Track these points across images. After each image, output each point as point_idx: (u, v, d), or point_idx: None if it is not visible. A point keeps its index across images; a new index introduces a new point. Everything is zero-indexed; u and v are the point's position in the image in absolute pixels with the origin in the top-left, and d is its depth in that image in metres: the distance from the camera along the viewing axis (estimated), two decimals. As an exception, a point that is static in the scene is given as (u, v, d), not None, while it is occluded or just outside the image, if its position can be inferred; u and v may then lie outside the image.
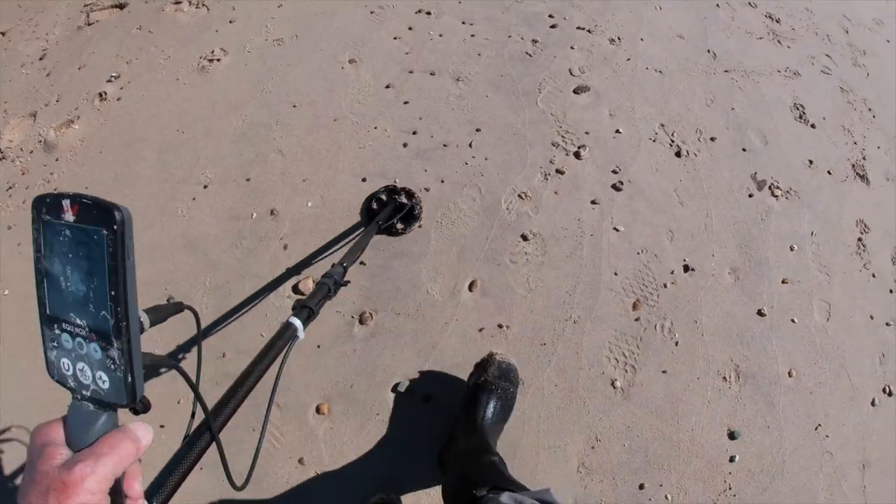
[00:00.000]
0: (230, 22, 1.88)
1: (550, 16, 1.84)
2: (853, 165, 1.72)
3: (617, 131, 1.59)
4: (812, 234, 1.55)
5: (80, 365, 0.36)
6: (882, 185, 1.72)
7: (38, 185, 1.65)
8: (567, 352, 1.30)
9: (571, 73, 1.69)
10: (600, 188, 1.50)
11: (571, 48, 1.75)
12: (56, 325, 0.36)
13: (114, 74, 1.84)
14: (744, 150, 1.66)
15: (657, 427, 1.25)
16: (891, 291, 1.53)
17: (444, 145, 1.52)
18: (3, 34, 2.15)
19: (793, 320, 1.41)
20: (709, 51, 1.86)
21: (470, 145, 1.52)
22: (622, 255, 1.42)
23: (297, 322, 0.71)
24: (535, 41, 1.75)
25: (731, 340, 1.36)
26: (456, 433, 1.11)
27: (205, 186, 1.53)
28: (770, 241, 1.52)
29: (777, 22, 2.06)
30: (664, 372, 1.30)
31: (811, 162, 1.68)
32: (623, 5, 1.92)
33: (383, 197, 1.42)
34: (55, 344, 0.37)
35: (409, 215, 1.40)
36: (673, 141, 1.61)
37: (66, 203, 0.34)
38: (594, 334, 1.32)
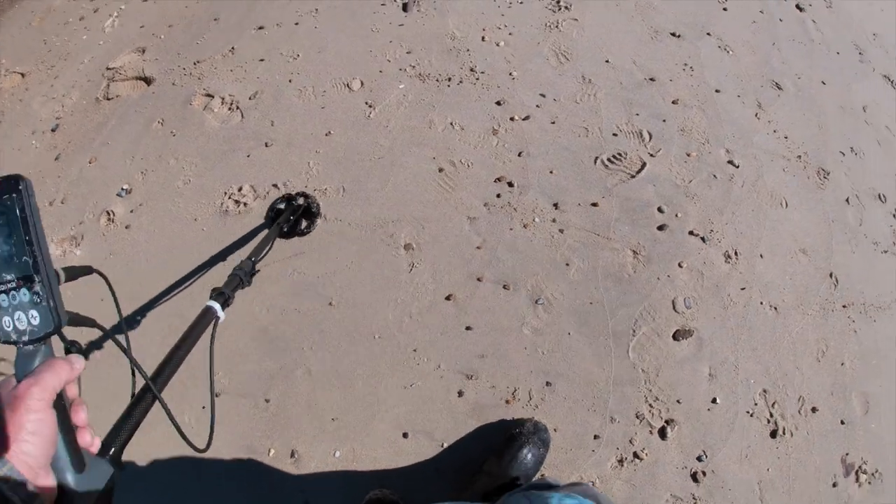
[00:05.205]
0: (266, 145, 1.51)
1: (660, 209, 1.48)
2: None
3: (713, 401, 1.33)
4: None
5: (16, 315, 0.41)
6: None
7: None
8: None
9: (675, 308, 1.38)
10: (679, 481, 1.26)
11: (680, 265, 1.43)
12: None
13: (125, 187, 1.51)
14: (842, 422, 1.41)
15: None
16: None
17: (507, 402, 1.26)
18: (22, 76, 1.81)
19: None
20: (831, 275, 1.54)
21: (537, 407, 1.26)
22: (686, 570, 1.22)
23: (215, 305, 0.79)
24: (636, 253, 1.42)
25: None
26: (486, 467, 1.16)
27: (217, 394, 1.27)
28: (836, 542, 1.33)
29: (904, 224, 1.72)
30: None
31: (909, 434, 1.45)
32: (746, 199, 1.56)
33: (281, 206, 1.41)
34: None
35: (309, 212, 1.41)
36: (772, 416, 1.35)
37: None
38: None
